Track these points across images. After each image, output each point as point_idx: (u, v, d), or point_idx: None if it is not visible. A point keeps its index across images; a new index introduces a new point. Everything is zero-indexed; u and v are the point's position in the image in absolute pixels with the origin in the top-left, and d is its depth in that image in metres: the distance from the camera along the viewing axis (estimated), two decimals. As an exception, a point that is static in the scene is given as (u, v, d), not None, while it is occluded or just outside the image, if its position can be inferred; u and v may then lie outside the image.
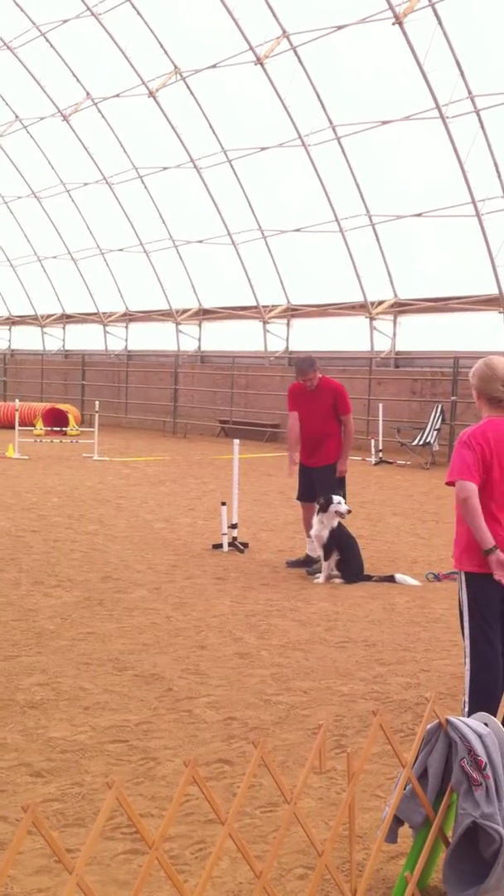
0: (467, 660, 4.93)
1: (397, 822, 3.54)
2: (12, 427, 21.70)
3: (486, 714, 3.59)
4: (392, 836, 3.57)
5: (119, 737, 4.96)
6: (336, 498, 9.21)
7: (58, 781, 4.40)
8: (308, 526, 9.63)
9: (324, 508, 9.17)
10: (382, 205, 23.50)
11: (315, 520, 9.24)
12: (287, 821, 3.00)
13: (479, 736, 3.43)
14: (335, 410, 9.88)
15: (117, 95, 27.17)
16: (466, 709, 4.84)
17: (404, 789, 3.44)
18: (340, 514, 9.18)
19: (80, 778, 4.45)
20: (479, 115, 20.34)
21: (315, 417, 9.84)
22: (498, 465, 4.87)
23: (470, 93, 20.18)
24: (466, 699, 4.92)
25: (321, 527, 9.14)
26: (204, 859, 3.70)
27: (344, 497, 9.53)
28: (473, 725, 3.47)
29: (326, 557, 9.07)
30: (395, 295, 24.57)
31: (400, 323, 25.09)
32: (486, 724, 3.51)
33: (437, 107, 20.59)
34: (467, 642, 4.94)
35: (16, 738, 4.89)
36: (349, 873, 3.26)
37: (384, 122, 22.08)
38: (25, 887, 3.49)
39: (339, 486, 9.80)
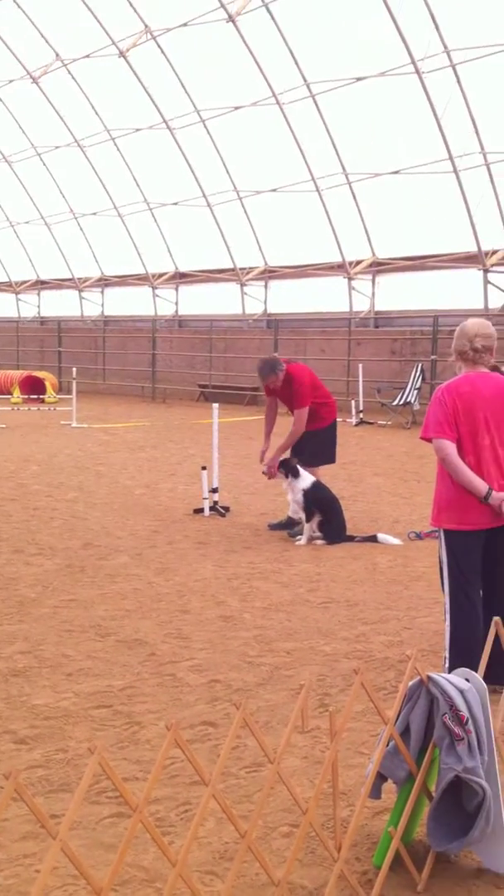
0: (448, 616, 4.95)
1: (381, 778, 3.56)
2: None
3: (467, 669, 3.60)
4: (376, 793, 3.60)
5: (103, 702, 4.97)
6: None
7: (42, 748, 4.40)
8: None
9: (294, 473, 9.18)
10: (359, 163, 23.31)
11: (285, 485, 9.27)
12: (271, 780, 3.01)
13: (461, 691, 3.45)
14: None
15: (87, 56, 26.72)
16: (447, 664, 4.88)
17: (387, 746, 3.46)
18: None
19: (64, 744, 4.45)
20: (455, 69, 20.14)
21: (288, 404, 9.87)
22: (467, 420, 4.87)
23: (445, 47, 19.95)
24: (447, 655, 4.95)
25: (293, 492, 9.16)
26: (189, 820, 3.71)
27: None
28: (454, 681, 3.49)
29: (308, 519, 9.07)
30: (374, 254, 24.45)
31: (378, 282, 25.00)
32: (467, 680, 3.52)
33: (413, 62, 20.37)
34: (447, 599, 4.96)
35: (-1, 706, 4.89)
36: (334, 830, 3.27)
37: (359, 79, 21.83)
38: (11, 853, 3.50)
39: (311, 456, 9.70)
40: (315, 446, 9.66)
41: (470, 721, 3.39)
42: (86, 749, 4.34)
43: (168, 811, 3.83)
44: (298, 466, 9.25)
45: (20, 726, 4.64)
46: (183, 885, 2.92)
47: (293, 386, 9.66)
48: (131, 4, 24.61)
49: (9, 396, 24.82)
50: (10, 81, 29.33)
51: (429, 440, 4.94)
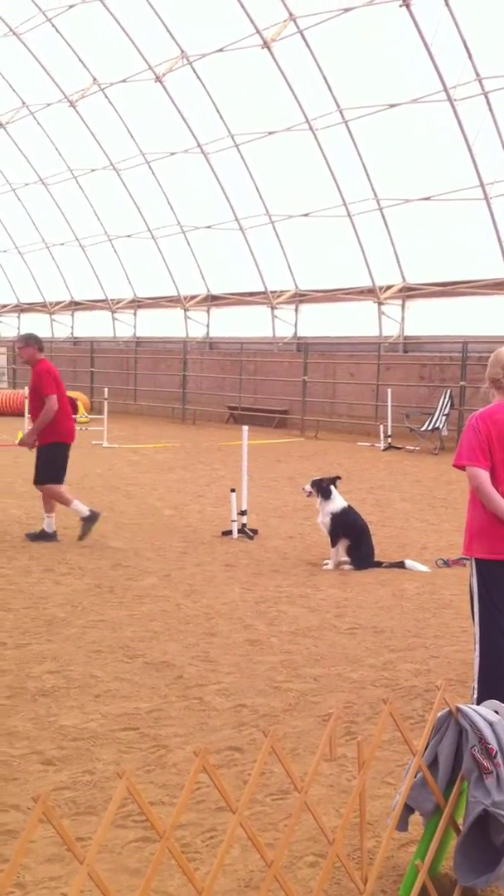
0: (477, 646, 4.92)
1: (408, 810, 3.53)
2: (22, 415, 21.70)
3: (497, 702, 3.58)
4: (403, 825, 3.57)
5: (130, 724, 4.98)
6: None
7: (69, 769, 4.42)
8: (46, 502, 9.96)
9: (325, 495, 9.18)
10: (390, 189, 23.38)
11: (318, 506, 9.30)
12: (298, 809, 3.00)
13: (490, 724, 3.42)
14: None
15: (124, 81, 27.05)
16: (476, 696, 4.84)
17: (415, 777, 3.44)
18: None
19: (91, 766, 4.46)
20: (487, 97, 20.19)
21: (32, 395, 10.09)
22: (501, 448, 4.85)
23: (478, 75, 20.02)
24: (476, 686, 4.91)
25: (322, 514, 9.17)
26: (215, 847, 3.71)
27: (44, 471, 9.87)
28: (484, 713, 3.47)
29: (334, 543, 9.06)
30: (404, 279, 24.47)
31: (408, 307, 25.00)
32: (496, 712, 3.50)
33: (445, 89, 20.45)
34: (477, 629, 4.93)
35: (27, 727, 4.91)
36: (360, 861, 3.26)
37: (391, 106, 21.94)
38: (37, 875, 3.51)
39: (57, 468, 9.97)
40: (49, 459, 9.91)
41: (499, 754, 3.37)
42: (113, 772, 4.35)
43: (194, 837, 3.83)
44: (331, 489, 9.25)
45: (48, 747, 4.66)
46: (208, 912, 2.91)
47: (36, 373, 9.89)
48: (168, 30, 24.90)
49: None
50: (48, 105, 29.73)
51: (462, 468, 4.93)
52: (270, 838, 3.79)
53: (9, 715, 5.06)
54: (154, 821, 2.70)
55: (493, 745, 3.38)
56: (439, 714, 3.51)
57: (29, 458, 10.57)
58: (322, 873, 3.08)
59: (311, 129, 23.84)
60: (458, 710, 3.46)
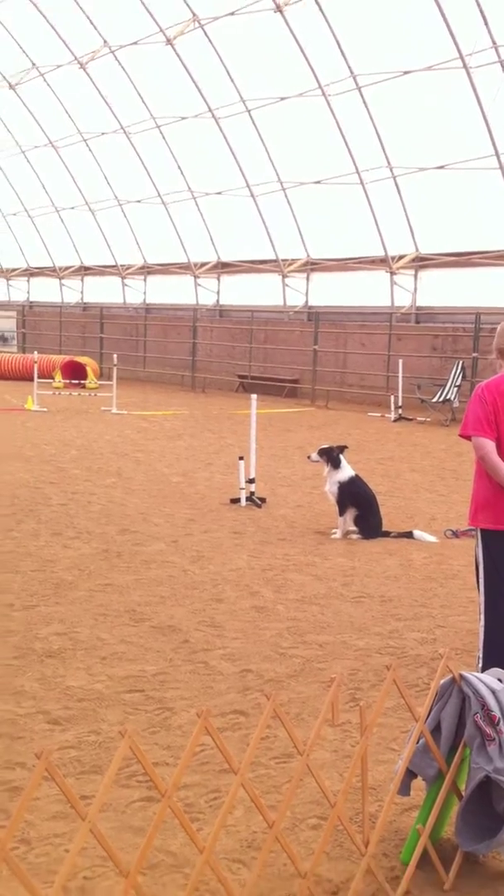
0: (482, 616, 4.93)
1: (410, 775, 3.56)
2: (31, 379, 21.69)
3: (500, 670, 3.59)
4: (405, 789, 3.60)
5: (135, 686, 5.01)
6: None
7: (75, 729, 4.46)
8: None
9: (335, 464, 9.18)
10: (404, 157, 23.13)
11: (325, 475, 9.30)
12: (300, 772, 3.03)
13: (493, 691, 3.44)
14: None
15: (135, 43, 26.74)
16: (480, 664, 4.86)
17: (417, 743, 3.46)
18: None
19: (96, 726, 4.50)
20: (503, 65, 19.91)
21: None
22: None
23: (494, 42, 19.72)
24: (481, 655, 4.93)
25: (329, 483, 9.19)
26: (218, 808, 3.74)
27: None
28: (487, 681, 3.48)
29: (341, 512, 9.07)
30: (417, 249, 24.29)
31: (421, 278, 24.83)
32: (499, 680, 3.51)
33: (461, 56, 20.16)
34: (482, 598, 4.94)
35: (34, 687, 4.95)
36: (362, 825, 3.28)
37: (406, 73, 21.67)
38: (42, 832, 3.55)
39: None
40: None
41: (502, 721, 3.38)
42: (118, 732, 4.39)
43: (197, 797, 3.86)
44: (341, 458, 9.24)
45: (54, 707, 4.70)
46: (210, 872, 2.94)
47: None
48: (181, -7, 24.61)
49: (50, 381, 25.00)
50: (58, 66, 29.44)
51: (468, 438, 4.91)
52: (273, 800, 3.83)
53: (16, 675, 5.10)
54: (156, 780, 2.72)
55: (496, 712, 3.39)
56: (442, 681, 3.52)
57: (39, 422, 10.56)
58: (324, 835, 3.11)
59: (323, 95, 23.57)
60: (462, 677, 3.48)
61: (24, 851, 3.41)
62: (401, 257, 24.58)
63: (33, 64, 30.34)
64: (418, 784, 3.68)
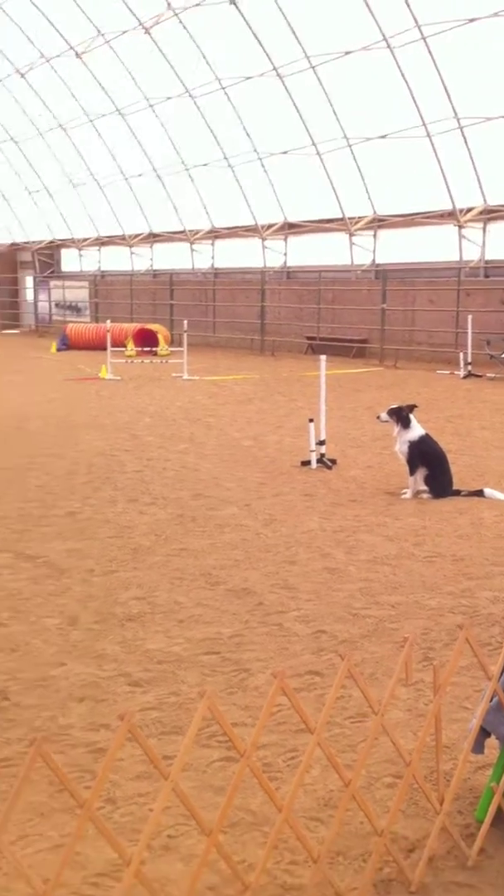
0: None
1: (484, 733, 3.60)
2: (104, 349, 21.98)
3: None
4: (479, 748, 3.64)
5: (212, 649, 5.13)
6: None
7: (155, 691, 4.59)
8: None
9: (405, 423, 9.14)
10: (471, 107, 22.64)
11: (395, 433, 9.28)
12: (375, 731, 3.09)
13: None
14: None
15: (198, 4, 26.54)
16: None
17: (491, 701, 3.50)
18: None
19: (176, 688, 4.63)
20: None
21: None
22: None
23: None
24: None
25: (399, 442, 9.17)
26: (295, 767, 3.84)
27: None
28: None
29: (412, 472, 9.05)
30: (485, 201, 23.84)
31: (490, 230, 24.39)
32: None
33: (530, 0, 19.62)
34: None
35: (115, 650, 5.10)
36: (436, 783, 3.35)
37: (471, 20, 21.13)
38: (127, 792, 3.69)
39: None
40: None
41: None
42: (197, 693, 4.51)
43: (275, 757, 3.96)
44: (411, 417, 9.21)
45: (135, 669, 4.84)
46: (289, 829, 3.04)
47: None
48: (241, -50, 24.31)
49: (123, 349, 25.26)
50: (124, 32, 29.38)
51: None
52: (349, 759, 3.91)
53: (97, 639, 5.26)
54: (235, 740, 2.82)
55: None
56: (515, 641, 3.55)
57: (113, 390, 10.71)
58: (399, 793, 3.18)
59: (388, 46, 23.15)
60: (534, 637, 3.49)
61: (109, 811, 3.55)
62: (468, 210, 24.16)
63: (99, 31, 30.33)
64: (492, 742, 3.72)
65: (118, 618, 5.61)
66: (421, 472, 9.04)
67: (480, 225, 24.38)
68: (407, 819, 3.51)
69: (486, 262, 24.38)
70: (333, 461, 10.55)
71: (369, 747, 3.09)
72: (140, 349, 25.88)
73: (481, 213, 24.02)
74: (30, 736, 4.07)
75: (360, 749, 3.98)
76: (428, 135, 23.82)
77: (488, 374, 20.58)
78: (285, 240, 30.49)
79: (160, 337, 27.68)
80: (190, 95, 29.46)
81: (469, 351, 21.33)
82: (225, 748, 3.99)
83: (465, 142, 23.27)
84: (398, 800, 3.18)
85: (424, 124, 23.72)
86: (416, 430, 9.19)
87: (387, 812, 3.45)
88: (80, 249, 40.14)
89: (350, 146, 26.13)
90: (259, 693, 4.58)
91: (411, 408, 9.41)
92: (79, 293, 39.75)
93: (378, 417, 9.69)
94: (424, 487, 9.05)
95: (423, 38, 22.38)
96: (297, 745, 4.04)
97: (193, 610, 5.75)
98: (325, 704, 2.97)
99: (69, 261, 41.64)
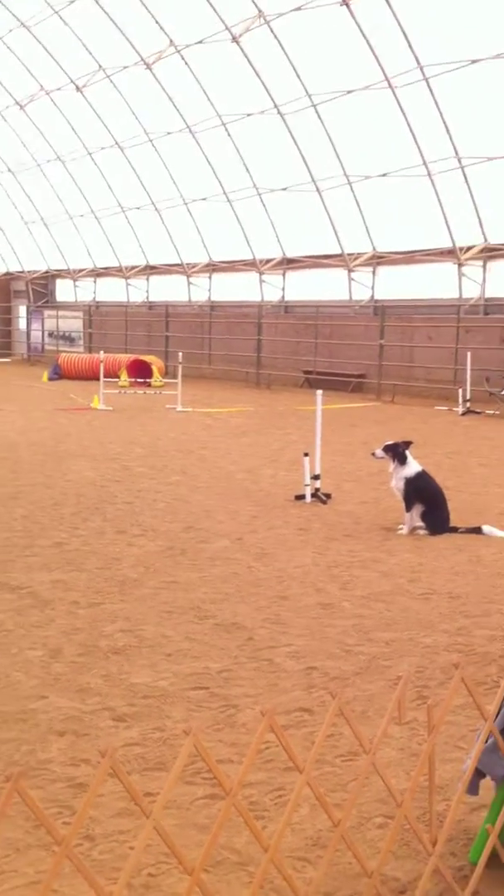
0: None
1: (479, 774, 3.48)
2: (97, 378, 21.93)
3: None
4: (473, 789, 3.52)
5: (200, 684, 5.00)
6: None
7: (139, 726, 4.46)
8: None
9: (401, 460, 9.05)
10: (472, 147, 22.82)
11: (391, 471, 9.19)
12: (366, 770, 2.97)
13: None
14: None
15: (200, 42, 26.82)
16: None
17: (486, 742, 3.38)
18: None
19: (161, 723, 4.50)
20: None
21: None
22: None
23: None
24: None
25: (395, 478, 9.07)
26: (283, 806, 3.71)
27: None
28: None
29: (408, 508, 8.95)
30: (486, 240, 23.95)
31: (490, 268, 24.48)
32: None
33: (530, 43, 19.83)
34: None
35: (99, 683, 4.97)
36: (429, 824, 3.22)
37: (474, 62, 21.35)
38: (107, 829, 3.55)
39: None
40: None
41: None
42: (182, 729, 4.38)
43: (262, 795, 3.83)
44: (406, 453, 9.13)
45: (119, 703, 4.71)
46: (275, 870, 2.91)
47: None
48: (245, -11, 24.60)
49: (116, 380, 25.20)
50: (125, 67, 29.66)
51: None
52: (339, 799, 3.78)
53: (81, 672, 5.13)
54: (220, 777, 2.69)
55: None
56: (512, 679, 3.44)
57: (105, 421, 10.64)
58: (390, 834, 3.05)
59: (390, 86, 23.36)
60: (532, 675, 3.38)
61: (88, 848, 3.42)
62: (469, 248, 24.26)
63: (100, 66, 30.61)
64: (487, 784, 3.60)
65: (103, 651, 5.48)
66: (417, 509, 8.94)
67: (480, 263, 24.48)
68: (398, 860, 3.38)
69: (487, 299, 24.45)
70: (328, 495, 10.45)
71: (360, 786, 2.97)
72: (134, 380, 25.84)
73: (481, 251, 24.13)
74: (7, 771, 3.93)
75: (350, 788, 3.85)
76: (429, 174, 23.98)
77: (487, 411, 20.55)
78: (283, 274, 30.60)
79: (154, 368, 27.66)
80: (190, 131, 29.68)
81: (468, 387, 21.31)
82: (210, 785, 3.86)
83: (466, 181, 23.42)
84: (389, 840, 3.05)
85: (425, 163, 23.88)
86: (413, 467, 9.10)
87: (377, 853, 3.32)
88: (74, 280, 40.27)
89: (350, 183, 26.29)
90: (247, 730, 4.45)
91: (407, 444, 9.33)
92: (73, 323, 39.84)
93: (373, 454, 9.58)
94: (421, 524, 8.95)
95: (426, 79, 22.59)
96: (284, 784, 3.91)
97: (181, 644, 5.63)
98: (315, 742, 2.85)
99: (64, 290, 41.77)
